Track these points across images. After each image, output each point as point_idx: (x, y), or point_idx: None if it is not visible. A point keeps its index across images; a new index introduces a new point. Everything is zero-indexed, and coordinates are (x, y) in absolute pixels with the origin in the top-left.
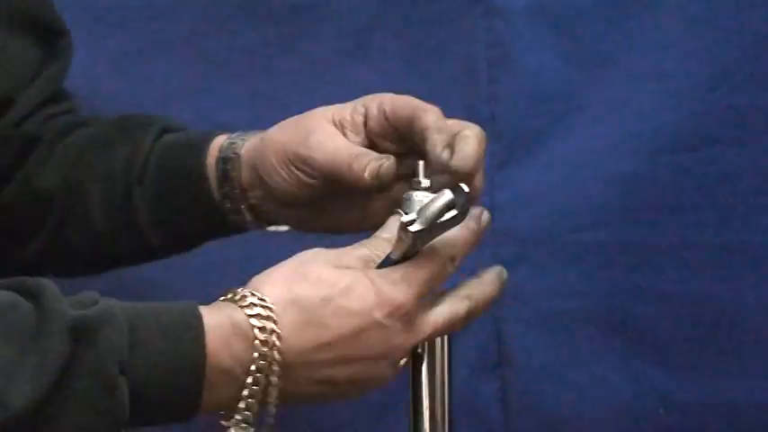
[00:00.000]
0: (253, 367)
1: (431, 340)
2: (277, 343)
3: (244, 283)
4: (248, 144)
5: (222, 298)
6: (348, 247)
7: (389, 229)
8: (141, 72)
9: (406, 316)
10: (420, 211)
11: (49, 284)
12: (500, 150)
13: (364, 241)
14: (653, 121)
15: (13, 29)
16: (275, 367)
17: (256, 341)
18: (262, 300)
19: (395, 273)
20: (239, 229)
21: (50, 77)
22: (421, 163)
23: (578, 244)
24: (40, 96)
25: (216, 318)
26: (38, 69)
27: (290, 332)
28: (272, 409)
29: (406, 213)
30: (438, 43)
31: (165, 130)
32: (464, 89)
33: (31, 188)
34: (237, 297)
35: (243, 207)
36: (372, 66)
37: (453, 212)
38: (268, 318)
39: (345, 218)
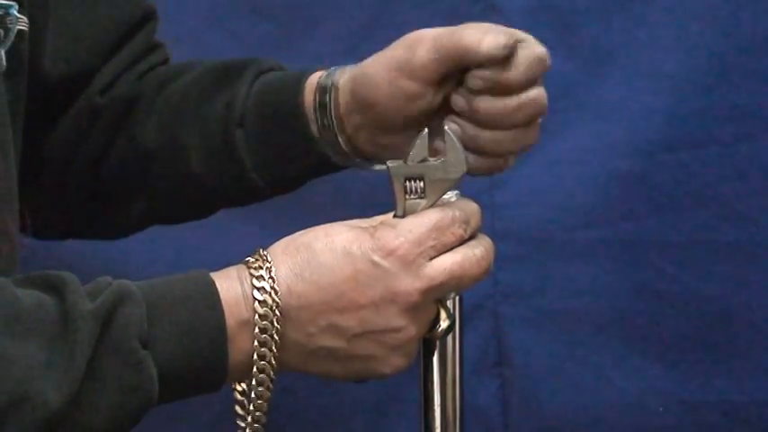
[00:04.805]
0: (256, 317)
1: (442, 337)
2: (275, 286)
3: None
4: (346, 73)
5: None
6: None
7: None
8: None
9: (405, 257)
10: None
11: (69, 278)
12: None
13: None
14: (652, 120)
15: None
16: (277, 312)
17: (254, 291)
18: (263, 253)
19: (395, 220)
20: (338, 167)
21: (142, 41)
22: (424, 132)
23: (578, 243)
24: (128, 61)
25: (225, 278)
26: (128, 37)
27: (287, 273)
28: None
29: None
30: None
31: (260, 72)
32: None
33: (134, 148)
34: (249, 258)
35: (340, 139)
36: None
37: (440, 159)
38: (259, 267)
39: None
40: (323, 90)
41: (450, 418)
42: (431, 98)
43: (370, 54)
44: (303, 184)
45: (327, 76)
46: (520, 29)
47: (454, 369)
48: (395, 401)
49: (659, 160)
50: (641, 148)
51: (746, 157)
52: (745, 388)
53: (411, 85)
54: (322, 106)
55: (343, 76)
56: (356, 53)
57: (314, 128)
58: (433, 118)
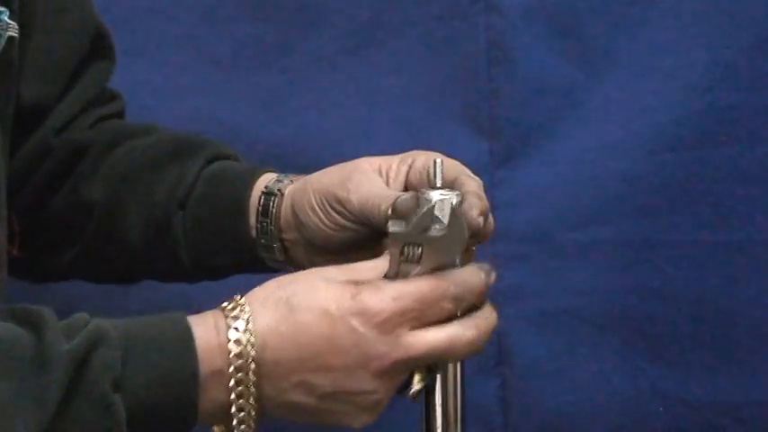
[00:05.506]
0: (231, 369)
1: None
2: (251, 339)
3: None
4: (293, 185)
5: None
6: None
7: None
8: (141, 72)
9: (384, 325)
10: (408, 219)
11: (48, 314)
12: (500, 149)
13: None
14: (652, 120)
15: (53, 29)
16: (252, 365)
17: (230, 343)
18: (241, 302)
19: (381, 282)
20: (269, 268)
21: (95, 78)
22: (438, 161)
23: (578, 242)
24: (83, 99)
25: (202, 324)
26: (81, 70)
27: (264, 327)
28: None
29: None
30: (438, 42)
31: (215, 158)
32: (464, 87)
33: (76, 198)
34: (226, 304)
35: (276, 246)
36: (372, 65)
37: (443, 230)
38: (236, 317)
39: None
40: (268, 195)
41: (452, 418)
42: (364, 230)
43: (370, 54)
44: (228, 275)
45: (276, 181)
46: (520, 28)
47: (455, 369)
48: (395, 401)
49: (659, 160)
50: (642, 148)
51: (746, 157)
52: (746, 388)
53: (341, 219)
54: (264, 212)
55: (290, 187)
56: (356, 53)
57: (253, 231)
58: (375, 240)
